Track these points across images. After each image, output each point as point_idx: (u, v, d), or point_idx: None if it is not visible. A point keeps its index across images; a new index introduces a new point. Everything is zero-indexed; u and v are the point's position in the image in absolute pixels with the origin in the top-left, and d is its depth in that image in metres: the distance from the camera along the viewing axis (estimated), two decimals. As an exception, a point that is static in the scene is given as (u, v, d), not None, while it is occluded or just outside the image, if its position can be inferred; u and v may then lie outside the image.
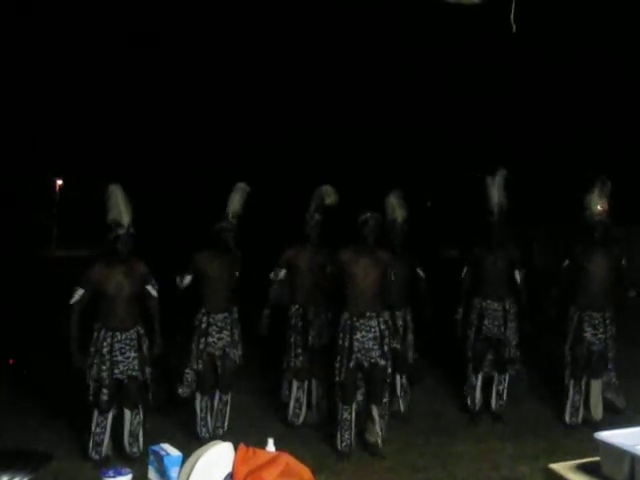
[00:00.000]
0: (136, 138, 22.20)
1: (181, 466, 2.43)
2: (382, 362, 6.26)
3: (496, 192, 7.12)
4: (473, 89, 17.64)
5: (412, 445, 6.57)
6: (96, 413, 5.95)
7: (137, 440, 6.09)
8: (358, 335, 6.22)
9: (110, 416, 6.02)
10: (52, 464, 2.27)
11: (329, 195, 6.97)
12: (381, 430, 6.36)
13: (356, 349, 6.20)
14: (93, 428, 5.96)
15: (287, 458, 2.48)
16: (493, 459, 6.19)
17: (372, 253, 6.30)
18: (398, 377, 7.20)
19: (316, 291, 7.01)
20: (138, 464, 5.60)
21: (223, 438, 5.92)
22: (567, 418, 6.97)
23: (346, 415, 6.25)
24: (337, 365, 6.26)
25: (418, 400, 7.65)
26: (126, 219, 5.99)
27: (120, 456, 6.07)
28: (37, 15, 16.10)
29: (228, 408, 6.70)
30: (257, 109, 19.87)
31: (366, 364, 6.24)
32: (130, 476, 2.45)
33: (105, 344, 5.96)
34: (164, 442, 2.62)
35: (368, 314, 6.26)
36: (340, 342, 6.27)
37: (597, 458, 2.09)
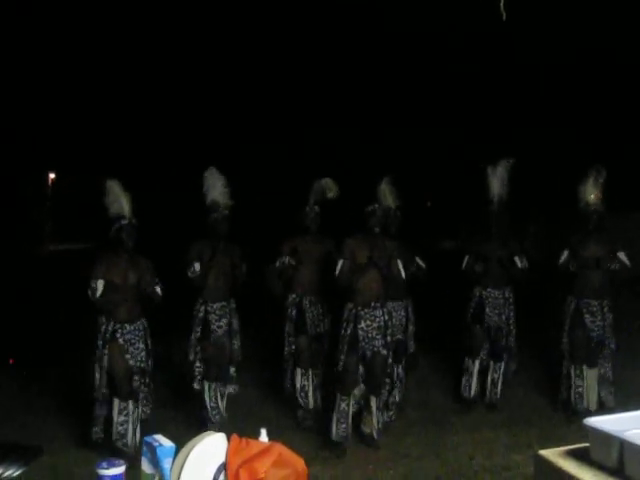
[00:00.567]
0: (129, 132, 22.14)
1: (174, 457, 2.43)
2: (384, 352, 6.28)
3: (496, 182, 7.13)
4: (470, 82, 17.65)
5: (406, 434, 6.61)
6: (117, 402, 5.94)
7: (135, 433, 6.05)
8: (363, 324, 6.22)
9: (131, 404, 5.99)
10: (46, 458, 2.28)
11: (330, 188, 6.97)
12: (378, 421, 6.38)
13: (360, 338, 6.20)
14: (116, 418, 5.93)
15: (280, 448, 2.48)
16: (487, 448, 6.22)
17: (378, 243, 6.30)
18: (395, 367, 7.21)
19: (314, 281, 7.03)
20: (131, 457, 5.64)
21: (221, 428, 5.97)
22: (573, 405, 6.94)
23: (343, 406, 6.24)
24: (339, 355, 6.26)
25: (412, 390, 7.67)
26: (128, 212, 6.02)
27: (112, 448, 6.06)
28: (33, 10, 16.04)
29: (225, 400, 6.70)
30: (254, 104, 19.83)
31: (369, 353, 6.24)
32: (123, 467, 2.45)
33: (118, 335, 5.97)
34: (160, 434, 2.63)
35: (373, 304, 6.26)
36: (343, 331, 6.27)
37: (586, 444, 2.10)
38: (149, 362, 6.16)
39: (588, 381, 6.97)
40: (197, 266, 6.54)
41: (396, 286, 6.69)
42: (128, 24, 17.06)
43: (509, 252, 7.22)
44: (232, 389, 6.73)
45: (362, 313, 6.23)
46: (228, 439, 2.51)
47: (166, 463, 2.42)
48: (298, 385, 7.07)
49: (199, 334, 6.58)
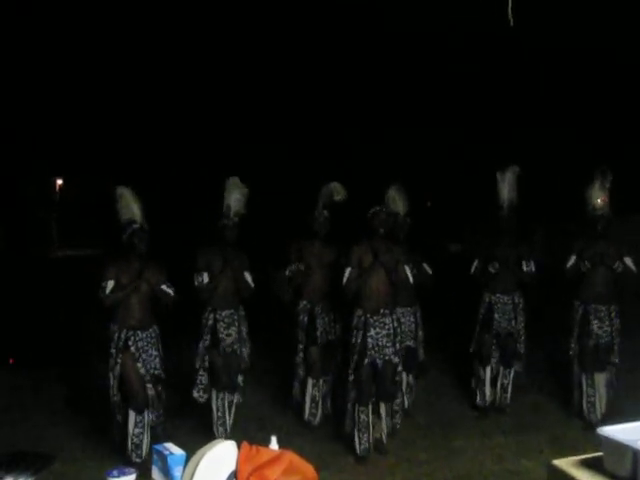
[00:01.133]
0: (136, 137, 22.17)
1: (184, 465, 2.43)
2: (395, 359, 6.25)
3: (505, 187, 7.12)
4: (475, 86, 17.62)
5: (415, 440, 6.60)
6: (133, 414, 5.91)
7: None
8: (372, 332, 6.19)
9: (146, 415, 5.97)
10: (57, 466, 2.28)
11: (338, 192, 6.92)
12: (387, 427, 6.36)
13: (370, 346, 6.17)
14: (131, 430, 5.90)
15: (290, 456, 2.48)
16: (496, 453, 6.21)
17: (384, 247, 6.26)
18: (404, 374, 7.19)
19: (324, 287, 7.01)
20: (142, 464, 5.64)
21: (227, 438, 5.96)
22: (587, 415, 6.92)
23: (363, 417, 6.18)
24: (352, 365, 6.23)
25: (420, 395, 7.65)
26: (139, 217, 6.02)
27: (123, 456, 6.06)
28: (39, 14, 16.08)
29: (233, 409, 6.65)
30: (261, 105, 19.82)
31: (379, 361, 6.21)
32: (134, 475, 2.45)
33: (130, 342, 5.94)
34: (169, 441, 2.63)
35: (382, 311, 6.23)
36: (353, 339, 6.24)
37: (600, 453, 2.08)
38: (162, 369, 6.13)
39: (597, 385, 6.94)
40: (205, 276, 6.47)
41: (404, 292, 6.67)
42: (133, 28, 17.09)
43: (517, 256, 7.20)
44: (237, 398, 6.67)
45: (371, 320, 6.19)
46: (238, 447, 2.51)
47: (177, 471, 2.42)
48: (309, 396, 7.05)
49: (208, 342, 6.54)
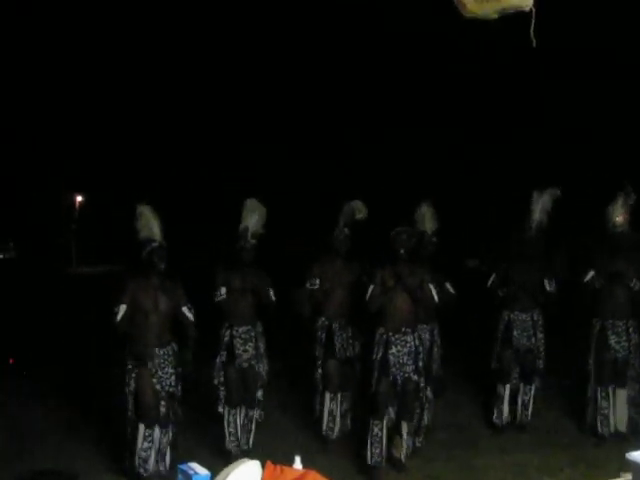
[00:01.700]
0: (155, 154, 22.32)
1: (209, 485, 2.44)
2: (415, 377, 6.26)
3: (539, 208, 7.11)
4: (494, 89, 17.53)
5: (436, 457, 6.57)
6: (142, 428, 5.93)
7: (164, 459, 6.06)
8: (394, 349, 6.20)
9: (157, 430, 6.00)
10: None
11: (360, 210, 6.98)
12: (408, 446, 6.35)
13: (391, 363, 6.19)
14: (139, 444, 5.92)
15: (315, 476, 2.48)
16: (517, 471, 6.17)
17: (409, 272, 6.27)
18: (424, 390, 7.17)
19: (343, 305, 7.02)
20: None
21: (248, 454, 5.97)
22: (599, 428, 6.91)
23: (377, 430, 6.19)
24: (371, 379, 6.25)
25: (441, 412, 7.61)
26: (158, 235, 6.08)
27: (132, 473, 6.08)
28: (54, 25, 16.28)
29: (254, 425, 6.65)
30: (280, 118, 19.89)
31: (400, 379, 6.22)
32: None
33: (147, 358, 5.97)
34: (191, 459, 2.64)
35: (404, 329, 6.25)
36: (374, 356, 6.26)
37: (628, 477, 2.07)
38: (178, 387, 6.16)
39: (617, 401, 6.92)
40: (223, 290, 6.53)
41: (425, 310, 6.66)
42: (155, 48, 17.27)
43: (539, 276, 7.19)
44: (258, 415, 6.67)
45: (393, 339, 6.22)
46: (262, 466, 2.52)
47: (202, 491, 2.42)
48: (326, 410, 7.04)
49: (224, 358, 6.57)
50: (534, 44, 2.82)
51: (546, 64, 15.45)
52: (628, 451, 5.71)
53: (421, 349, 6.36)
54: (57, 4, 15.22)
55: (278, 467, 2.50)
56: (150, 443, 5.95)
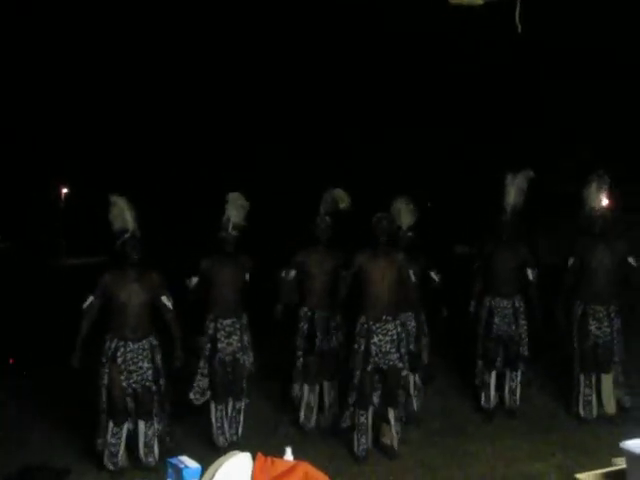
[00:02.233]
0: (141, 145, 22.21)
1: (200, 478, 2.43)
2: (399, 365, 6.28)
3: (514, 191, 7.11)
4: (476, 86, 17.56)
5: (427, 445, 6.58)
6: (111, 424, 5.93)
7: (152, 450, 6.06)
8: (375, 339, 6.22)
9: (125, 427, 6.00)
10: (73, 477, 2.27)
11: (342, 199, 6.97)
12: (397, 433, 6.36)
13: (374, 353, 6.21)
14: (108, 439, 5.93)
15: (306, 467, 2.47)
16: (509, 457, 6.19)
17: (388, 255, 6.29)
18: (412, 377, 7.19)
19: (326, 294, 6.99)
20: (154, 474, 5.65)
21: (237, 446, 5.97)
22: (581, 412, 6.96)
23: (362, 419, 6.23)
24: (355, 369, 6.25)
25: (431, 399, 7.63)
26: (131, 225, 6.03)
27: (136, 466, 6.08)
28: (45, 24, 16.14)
29: (242, 416, 6.66)
30: (264, 110, 19.81)
31: (384, 367, 6.24)
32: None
33: (119, 354, 5.95)
34: (181, 452, 2.62)
35: (385, 317, 6.26)
36: (356, 346, 6.26)
37: (623, 466, 2.07)
38: (160, 381, 6.12)
39: (604, 386, 6.96)
40: (194, 280, 6.56)
41: (406, 297, 6.65)
42: (144, 41, 17.17)
43: (520, 262, 7.20)
44: (244, 404, 6.69)
45: (374, 327, 6.24)
46: (253, 458, 2.51)
47: (192, 485, 2.41)
48: (304, 401, 7.07)
49: (207, 351, 6.57)
50: (519, 29, 2.80)
51: (545, 64, 15.52)
52: (618, 435, 5.76)
53: (404, 336, 6.37)
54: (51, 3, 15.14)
55: (269, 459, 2.50)
56: (118, 439, 5.94)
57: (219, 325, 6.56)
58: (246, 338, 6.67)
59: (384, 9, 13.55)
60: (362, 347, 6.22)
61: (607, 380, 6.96)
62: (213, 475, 2.40)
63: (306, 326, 7.04)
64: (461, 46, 15.59)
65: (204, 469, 2.45)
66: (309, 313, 7.07)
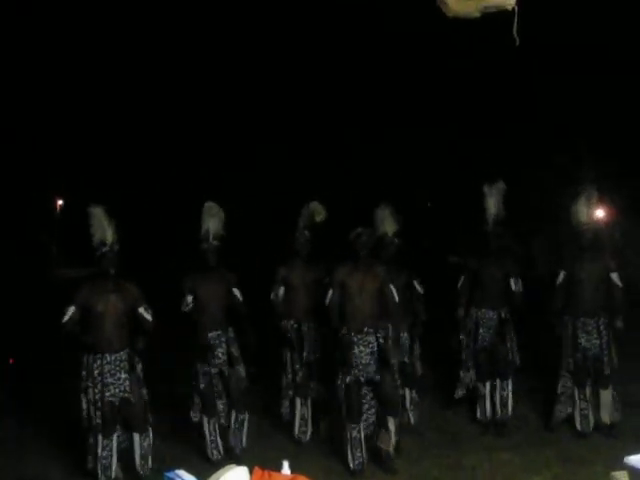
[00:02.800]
0: (139, 150, 22.17)
1: (197, 492, 2.42)
2: (377, 377, 6.27)
3: (493, 202, 7.13)
4: (478, 86, 17.54)
5: (423, 457, 6.55)
6: (100, 437, 5.88)
7: (147, 461, 6.05)
8: (356, 350, 6.24)
9: (115, 439, 5.95)
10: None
11: (319, 213, 7.03)
12: (394, 439, 6.34)
13: (354, 364, 6.22)
14: (99, 452, 5.87)
15: (303, 480, 2.46)
16: (506, 469, 6.17)
17: (369, 268, 6.34)
18: (407, 390, 7.17)
19: (309, 306, 7.04)
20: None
21: (240, 458, 5.95)
22: (578, 426, 6.94)
23: (355, 434, 6.20)
24: (340, 383, 6.27)
25: (427, 412, 7.61)
26: (110, 238, 6.00)
27: (130, 477, 6.05)
28: (43, 27, 16.15)
29: (245, 427, 6.66)
30: (263, 110, 19.77)
31: (363, 379, 6.25)
32: None
33: (95, 366, 5.91)
34: (177, 465, 2.61)
35: (366, 329, 6.29)
36: (338, 357, 6.31)
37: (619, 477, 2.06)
38: (141, 392, 6.08)
39: (602, 401, 6.93)
40: (189, 299, 6.54)
41: (393, 310, 6.61)
42: (144, 51, 17.20)
43: (505, 273, 7.20)
44: (246, 416, 6.68)
45: (355, 339, 6.25)
46: (250, 472, 2.50)
47: (190, 499, 2.40)
48: (298, 414, 7.06)
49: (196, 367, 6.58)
50: (517, 43, 2.81)
51: (540, 60, 15.53)
52: (614, 447, 5.77)
53: (386, 347, 6.34)
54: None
55: (266, 472, 2.49)
56: (109, 451, 5.90)
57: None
58: (234, 350, 6.66)
59: (383, 9, 13.59)
60: (343, 358, 6.25)
61: (606, 394, 6.93)
62: (210, 489, 2.38)
63: (294, 339, 7.08)
64: (455, 43, 15.59)
65: (201, 483, 2.44)
66: (295, 325, 7.11)
